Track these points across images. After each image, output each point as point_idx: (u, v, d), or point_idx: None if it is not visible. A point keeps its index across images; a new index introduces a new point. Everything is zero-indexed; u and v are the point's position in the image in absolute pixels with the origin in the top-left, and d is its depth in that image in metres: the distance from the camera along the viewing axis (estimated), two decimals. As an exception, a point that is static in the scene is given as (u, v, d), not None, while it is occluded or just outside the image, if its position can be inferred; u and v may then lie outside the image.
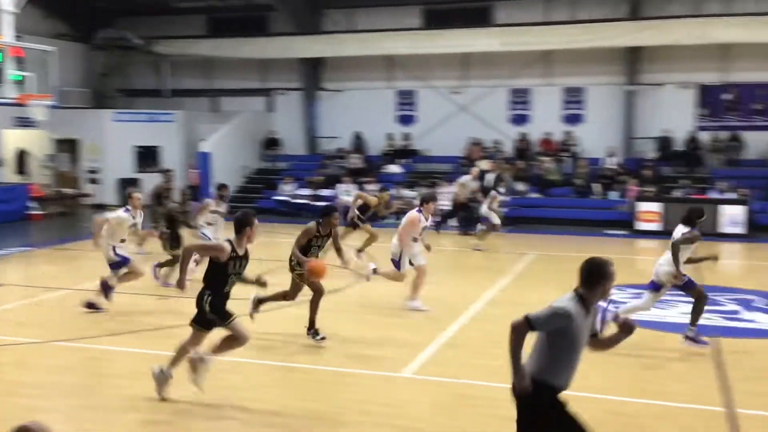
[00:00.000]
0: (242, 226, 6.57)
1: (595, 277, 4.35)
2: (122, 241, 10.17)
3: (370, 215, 14.53)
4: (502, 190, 18.30)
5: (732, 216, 18.71)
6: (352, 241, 14.09)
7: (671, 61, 22.20)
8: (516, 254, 15.66)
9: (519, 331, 4.23)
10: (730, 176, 20.43)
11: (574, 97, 23.51)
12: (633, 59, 22.54)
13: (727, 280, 12.89)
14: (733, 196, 19.34)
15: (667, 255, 8.52)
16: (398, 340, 8.80)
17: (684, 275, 8.47)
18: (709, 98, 22.27)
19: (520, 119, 24.04)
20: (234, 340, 6.63)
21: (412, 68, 24.63)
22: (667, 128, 22.03)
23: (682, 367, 8.04)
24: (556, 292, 11.66)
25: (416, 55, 24.05)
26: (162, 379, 6.64)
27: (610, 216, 20.21)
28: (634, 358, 8.32)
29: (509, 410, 6.54)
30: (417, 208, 10.42)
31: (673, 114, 22.19)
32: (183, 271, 6.67)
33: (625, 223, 19.64)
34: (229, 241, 6.55)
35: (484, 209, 17.23)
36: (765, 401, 6.87)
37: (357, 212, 14.16)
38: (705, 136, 22.06)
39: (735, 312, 10.60)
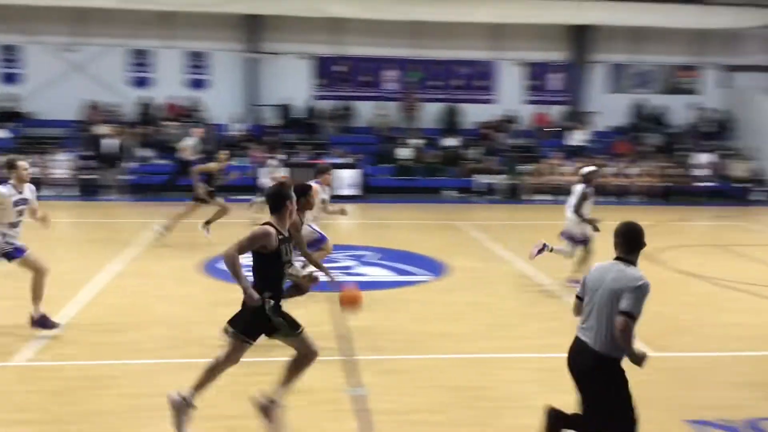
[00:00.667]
0: (282, 201, 5.32)
1: (639, 243, 4.57)
2: (12, 225, 7.68)
3: (216, 185, 13.35)
4: (279, 158, 17.35)
5: (347, 179, 20.44)
6: (196, 217, 12.85)
7: (290, 31, 23.16)
8: (143, 223, 15.02)
9: (630, 329, 4.35)
10: (344, 143, 22.21)
11: (197, 61, 23.22)
12: (254, 27, 23.00)
13: (342, 238, 13.98)
14: (347, 161, 21.08)
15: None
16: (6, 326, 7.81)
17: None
18: (325, 69, 23.81)
19: (141, 82, 23.00)
20: (304, 358, 5.43)
21: (14, 20, 21.87)
22: (288, 96, 23.03)
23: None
24: (185, 261, 11.45)
25: (19, 6, 21.39)
26: (183, 408, 5.18)
27: (236, 181, 20.45)
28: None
29: (138, 388, 6.26)
30: (315, 180, 9.58)
31: (292, 83, 23.26)
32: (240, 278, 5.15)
33: (251, 188, 20.10)
34: (268, 222, 5.28)
35: (263, 179, 16.34)
36: (377, 346, 7.59)
37: (204, 185, 12.96)
38: (322, 105, 23.59)
39: (349, 267, 11.53)
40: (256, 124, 22.97)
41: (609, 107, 24.04)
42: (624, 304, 4.36)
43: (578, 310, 4.81)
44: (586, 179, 10.22)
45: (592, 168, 10.57)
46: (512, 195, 21.25)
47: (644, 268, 4.61)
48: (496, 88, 24.44)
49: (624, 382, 4.58)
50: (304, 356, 5.45)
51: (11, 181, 7.81)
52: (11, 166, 7.84)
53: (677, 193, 21.23)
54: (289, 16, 22.45)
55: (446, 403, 6.09)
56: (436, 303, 9.46)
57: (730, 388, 6.70)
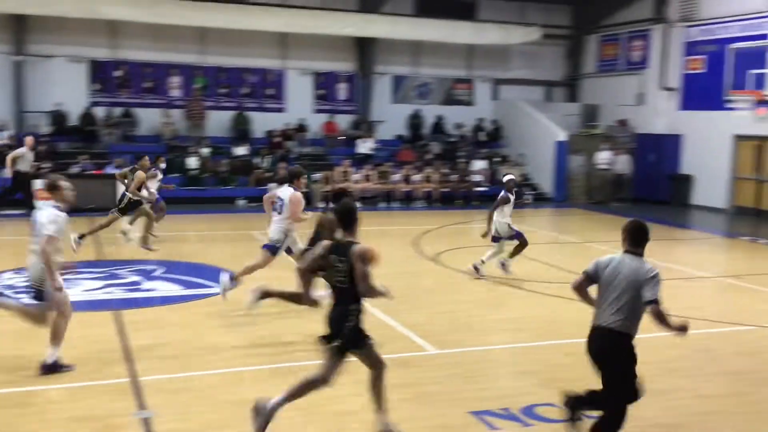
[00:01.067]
0: (355, 217, 5.43)
1: (644, 238, 5.23)
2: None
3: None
4: (162, 165, 15.61)
5: (130, 190, 19.31)
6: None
7: (62, 33, 21.57)
8: None
9: (662, 313, 5.02)
10: (126, 151, 21.00)
11: (-48, 62, 20.86)
12: (19, 28, 21.12)
13: (126, 253, 13.25)
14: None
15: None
16: None
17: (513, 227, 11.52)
18: (102, 74, 22.44)
19: None
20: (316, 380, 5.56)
21: None
22: (61, 102, 21.42)
23: (79, 344, 7.89)
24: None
25: None
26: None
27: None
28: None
29: None
30: (293, 188, 8.91)
31: (66, 88, 21.65)
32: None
33: (23, 203, 18.40)
34: (351, 242, 5.37)
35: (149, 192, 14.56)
36: (164, 365, 7.25)
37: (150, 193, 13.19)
38: (100, 112, 22.19)
39: (136, 283, 10.94)
40: (26, 132, 21.08)
41: (393, 116, 25.04)
42: (649, 294, 5.07)
43: (581, 286, 5.43)
44: (505, 186, 11.57)
45: (508, 177, 11.93)
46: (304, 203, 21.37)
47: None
48: (286, 97, 24.48)
49: (635, 357, 5.22)
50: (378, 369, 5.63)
51: (55, 203, 6.85)
52: (54, 186, 6.86)
53: (456, 198, 22.57)
54: (59, 17, 20.86)
55: (237, 418, 5.93)
56: (226, 315, 9.24)
57: (509, 378, 7.21)
